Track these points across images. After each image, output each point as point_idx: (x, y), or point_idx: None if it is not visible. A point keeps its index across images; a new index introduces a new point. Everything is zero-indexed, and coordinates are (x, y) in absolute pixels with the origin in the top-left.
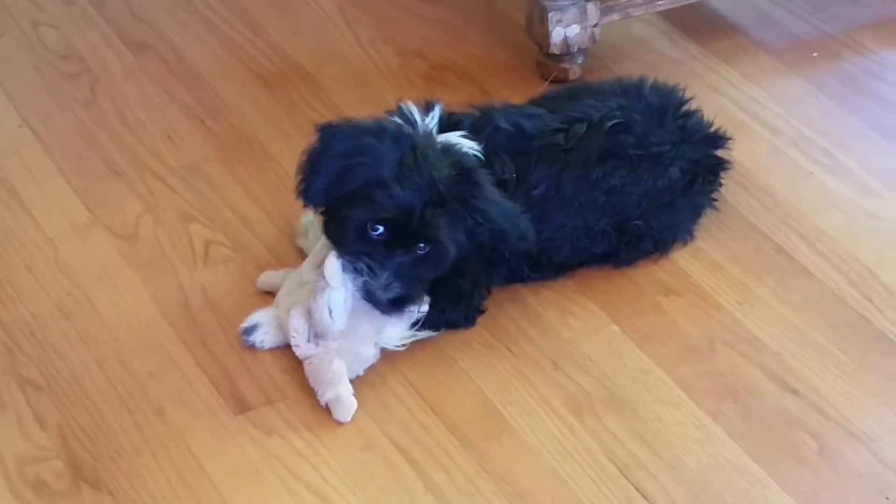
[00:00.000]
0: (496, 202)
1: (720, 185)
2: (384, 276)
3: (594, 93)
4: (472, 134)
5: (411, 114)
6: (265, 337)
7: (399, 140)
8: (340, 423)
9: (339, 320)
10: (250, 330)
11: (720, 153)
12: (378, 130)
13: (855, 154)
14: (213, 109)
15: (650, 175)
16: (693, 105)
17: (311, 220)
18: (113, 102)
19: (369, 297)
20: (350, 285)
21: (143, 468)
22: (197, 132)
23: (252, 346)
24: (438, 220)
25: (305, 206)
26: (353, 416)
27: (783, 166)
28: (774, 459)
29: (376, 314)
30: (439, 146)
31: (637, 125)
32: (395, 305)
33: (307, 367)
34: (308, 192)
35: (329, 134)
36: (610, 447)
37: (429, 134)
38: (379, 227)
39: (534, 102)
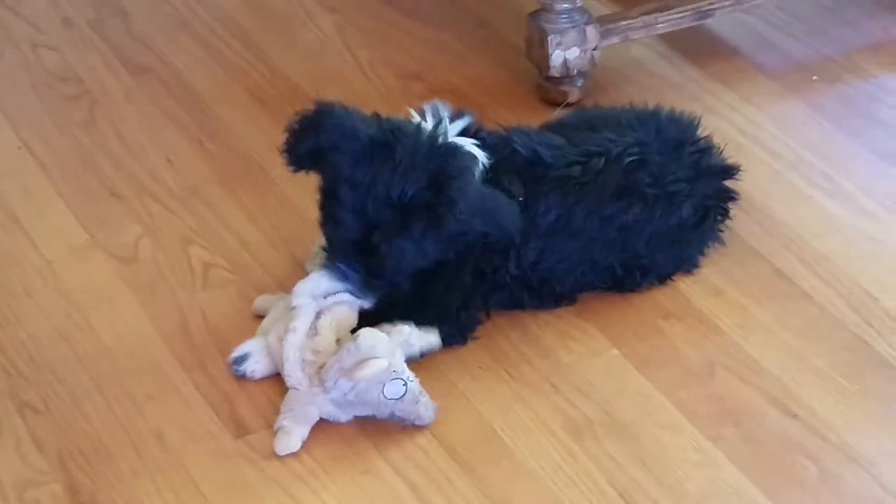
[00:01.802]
0: (475, 207)
1: (729, 217)
2: (361, 278)
3: (611, 123)
4: (490, 152)
5: (438, 113)
6: (256, 366)
7: (380, 147)
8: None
9: (290, 370)
10: (241, 360)
11: (729, 183)
12: (366, 131)
13: (855, 177)
14: (212, 132)
15: (663, 213)
16: (707, 136)
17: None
18: (112, 124)
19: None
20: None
21: (142, 492)
22: (196, 155)
23: (242, 376)
24: (388, 245)
25: (288, 165)
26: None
27: (783, 190)
28: (775, 484)
29: (373, 406)
30: (435, 147)
31: (653, 163)
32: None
33: (289, 392)
34: (290, 154)
35: (323, 114)
36: (610, 472)
37: (432, 137)
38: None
39: (548, 127)
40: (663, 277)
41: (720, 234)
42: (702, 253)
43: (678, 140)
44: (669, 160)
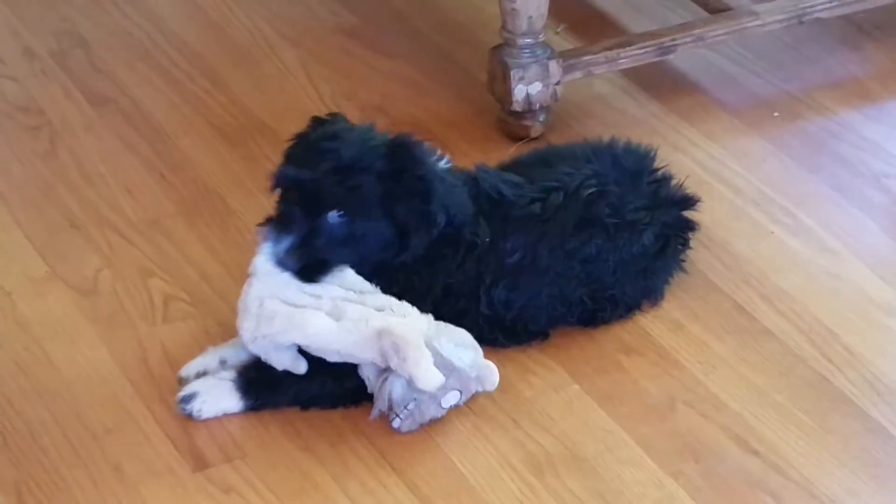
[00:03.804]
0: (437, 177)
1: (689, 247)
2: (285, 243)
3: (567, 158)
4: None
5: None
6: (203, 406)
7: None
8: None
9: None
10: (188, 398)
11: (689, 214)
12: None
13: (815, 214)
14: (173, 164)
15: (626, 242)
16: (664, 167)
17: None
18: (73, 155)
19: (277, 263)
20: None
21: None
22: (157, 186)
23: (189, 416)
24: (337, 189)
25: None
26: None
27: (744, 225)
28: None
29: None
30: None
31: (612, 193)
32: (307, 273)
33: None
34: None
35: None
36: None
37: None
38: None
39: (504, 167)
40: (631, 308)
41: (682, 263)
42: (666, 282)
43: (635, 170)
44: (628, 190)
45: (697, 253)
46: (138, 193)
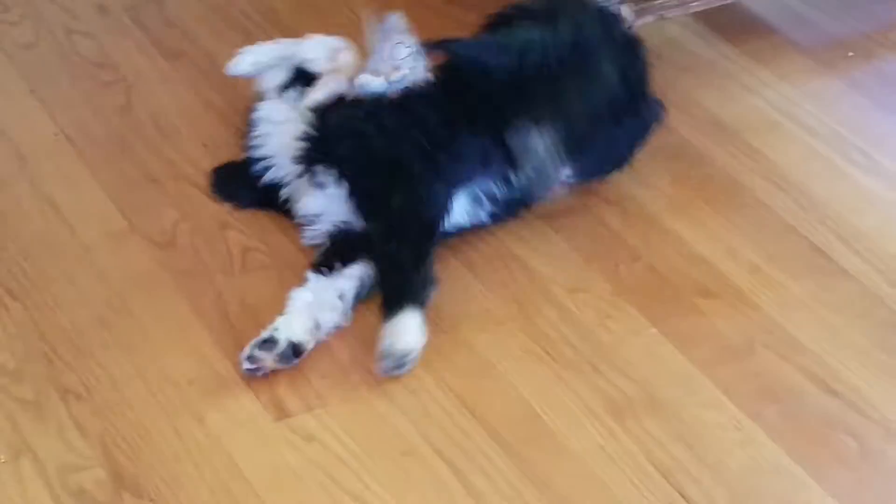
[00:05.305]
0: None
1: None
2: None
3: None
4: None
5: None
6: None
7: None
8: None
9: None
10: (252, 358)
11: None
12: None
13: (891, 153)
14: (248, 116)
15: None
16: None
17: None
18: (148, 110)
19: None
20: None
21: (184, 476)
22: (232, 139)
23: (254, 373)
24: None
25: None
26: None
27: (819, 166)
28: (816, 461)
29: None
30: None
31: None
32: None
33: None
34: None
35: None
36: (651, 451)
37: None
38: None
39: None
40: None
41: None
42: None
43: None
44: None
45: (772, 194)
46: (213, 146)
